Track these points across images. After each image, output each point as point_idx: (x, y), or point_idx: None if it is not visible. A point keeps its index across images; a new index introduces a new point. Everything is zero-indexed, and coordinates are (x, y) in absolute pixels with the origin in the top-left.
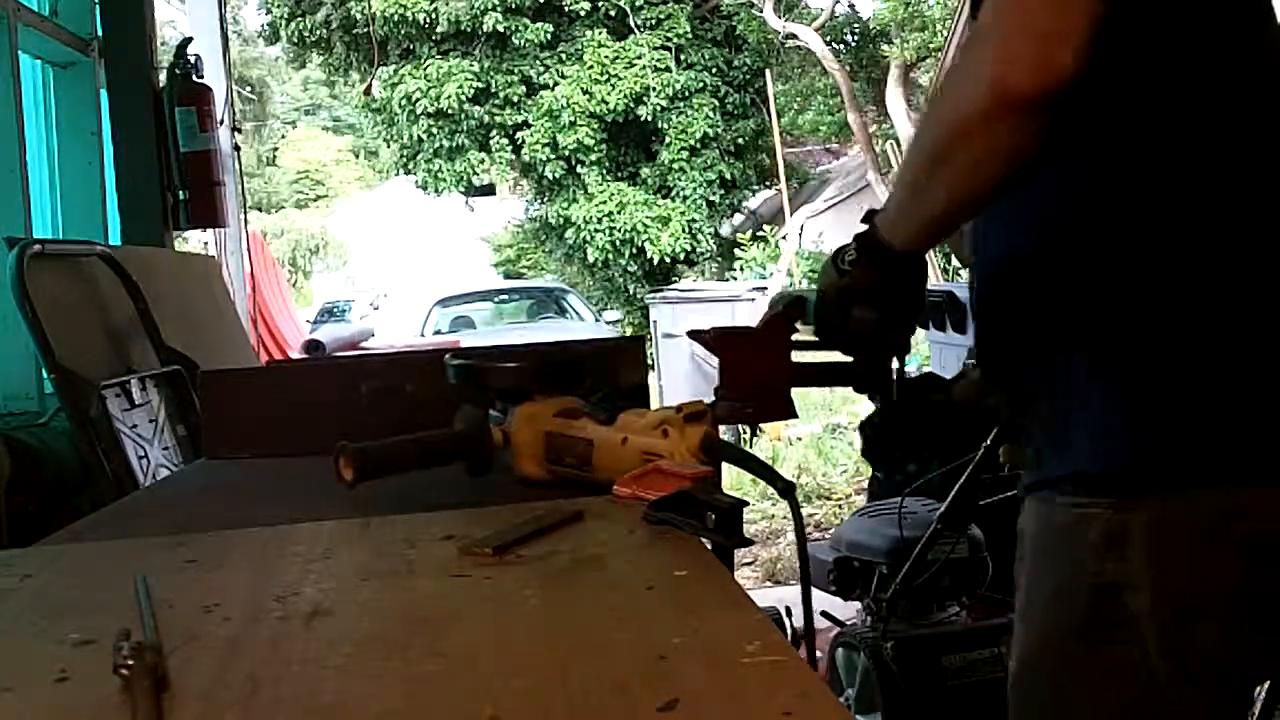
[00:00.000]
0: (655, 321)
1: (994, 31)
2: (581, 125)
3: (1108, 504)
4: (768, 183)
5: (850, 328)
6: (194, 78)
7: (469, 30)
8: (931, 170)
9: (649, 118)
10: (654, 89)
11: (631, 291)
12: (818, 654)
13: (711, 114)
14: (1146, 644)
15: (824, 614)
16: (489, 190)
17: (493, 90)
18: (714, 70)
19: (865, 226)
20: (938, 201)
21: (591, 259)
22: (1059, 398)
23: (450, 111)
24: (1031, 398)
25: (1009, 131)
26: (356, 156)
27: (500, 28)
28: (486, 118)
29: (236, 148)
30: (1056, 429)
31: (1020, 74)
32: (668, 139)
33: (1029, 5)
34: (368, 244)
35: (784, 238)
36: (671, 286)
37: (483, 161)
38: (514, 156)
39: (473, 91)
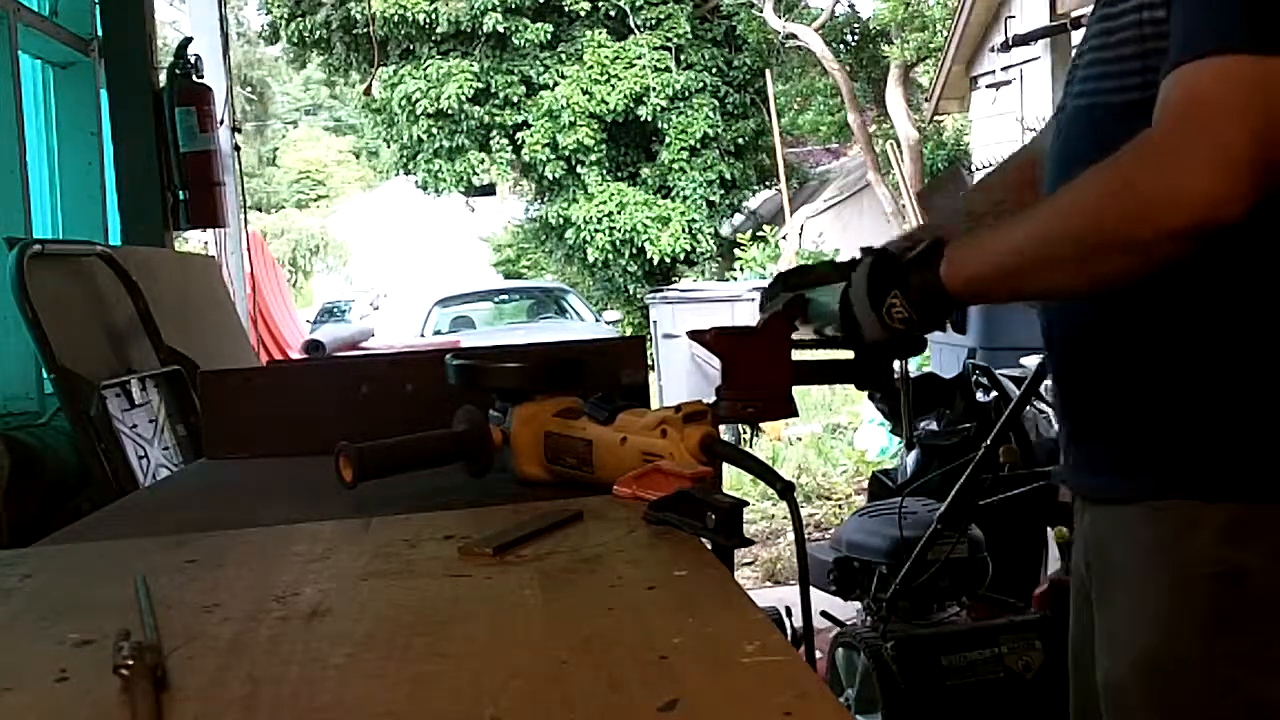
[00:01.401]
0: (655, 321)
1: (1176, 140)
2: (581, 125)
3: (1225, 500)
4: (768, 183)
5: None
6: (194, 78)
7: (469, 30)
8: (1079, 260)
9: (649, 118)
10: (654, 89)
11: (631, 291)
12: (817, 654)
13: (711, 114)
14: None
15: (824, 614)
16: (489, 190)
17: (493, 90)
18: (714, 70)
19: (906, 267)
20: (1062, 287)
21: (591, 259)
22: (1165, 402)
23: (450, 111)
24: (1126, 405)
25: (1151, 260)
26: (357, 157)
27: (500, 28)
28: (486, 118)
29: (236, 148)
30: (1167, 434)
31: (1231, 205)
32: (668, 139)
33: (1217, 110)
34: (368, 244)
35: (784, 238)
36: (671, 286)
37: (483, 162)
38: (514, 156)
39: (473, 92)
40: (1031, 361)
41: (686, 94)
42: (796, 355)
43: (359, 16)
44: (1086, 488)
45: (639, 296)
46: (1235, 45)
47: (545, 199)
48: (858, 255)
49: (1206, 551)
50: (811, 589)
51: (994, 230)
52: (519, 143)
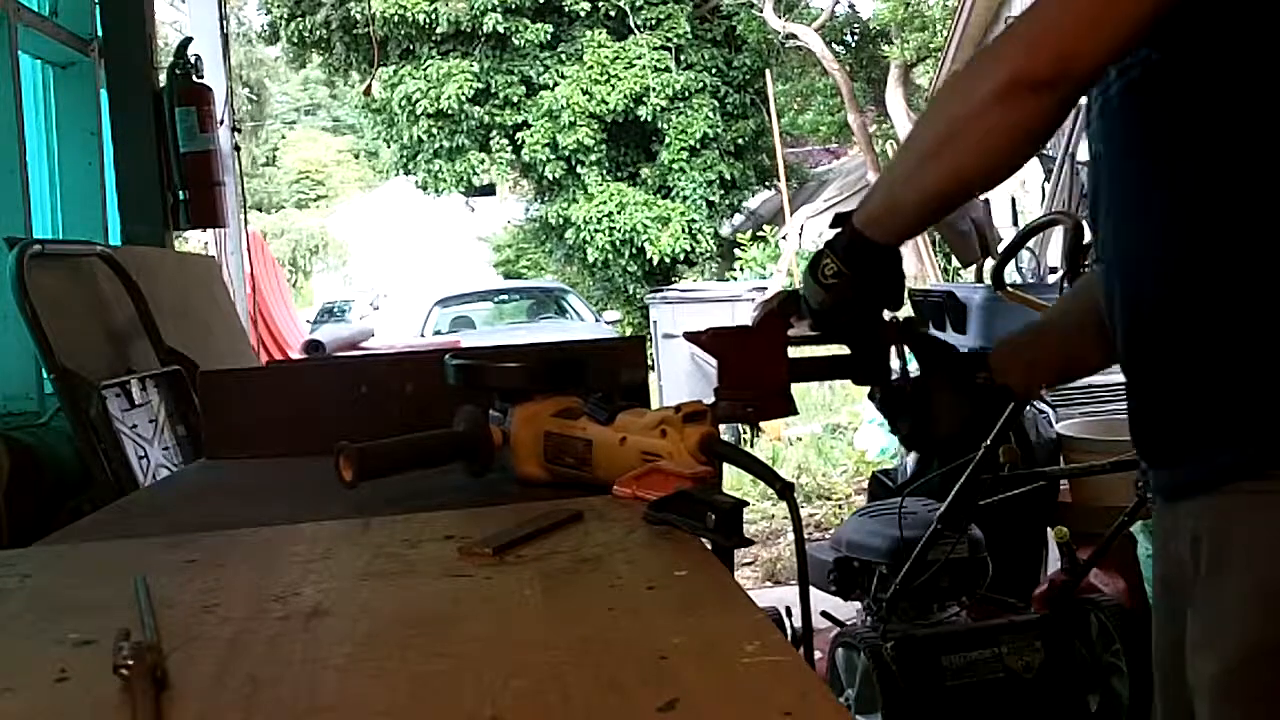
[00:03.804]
0: (655, 321)
1: (1019, 26)
2: (581, 125)
3: None
4: (768, 183)
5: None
6: (194, 78)
7: (469, 30)
8: (936, 152)
9: (649, 118)
10: (654, 89)
11: (631, 291)
12: (817, 654)
13: (711, 114)
14: None
15: (824, 614)
16: (489, 190)
17: (493, 90)
18: (714, 70)
19: (835, 231)
20: (939, 181)
21: (591, 259)
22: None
23: (450, 112)
24: (1213, 375)
25: (1022, 110)
26: (356, 157)
27: (500, 28)
28: (486, 118)
29: (236, 148)
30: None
31: (1038, 59)
32: (668, 139)
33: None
34: (368, 244)
35: (784, 238)
36: (671, 286)
37: (483, 162)
38: (514, 157)
39: (473, 92)
40: None
41: (686, 94)
42: (794, 352)
43: (359, 16)
44: (1190, 478)
45: (639, 296)
46: None
47: (545, 199)
48: None
49: None
50: (811, 589)
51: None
52: (519, 143)
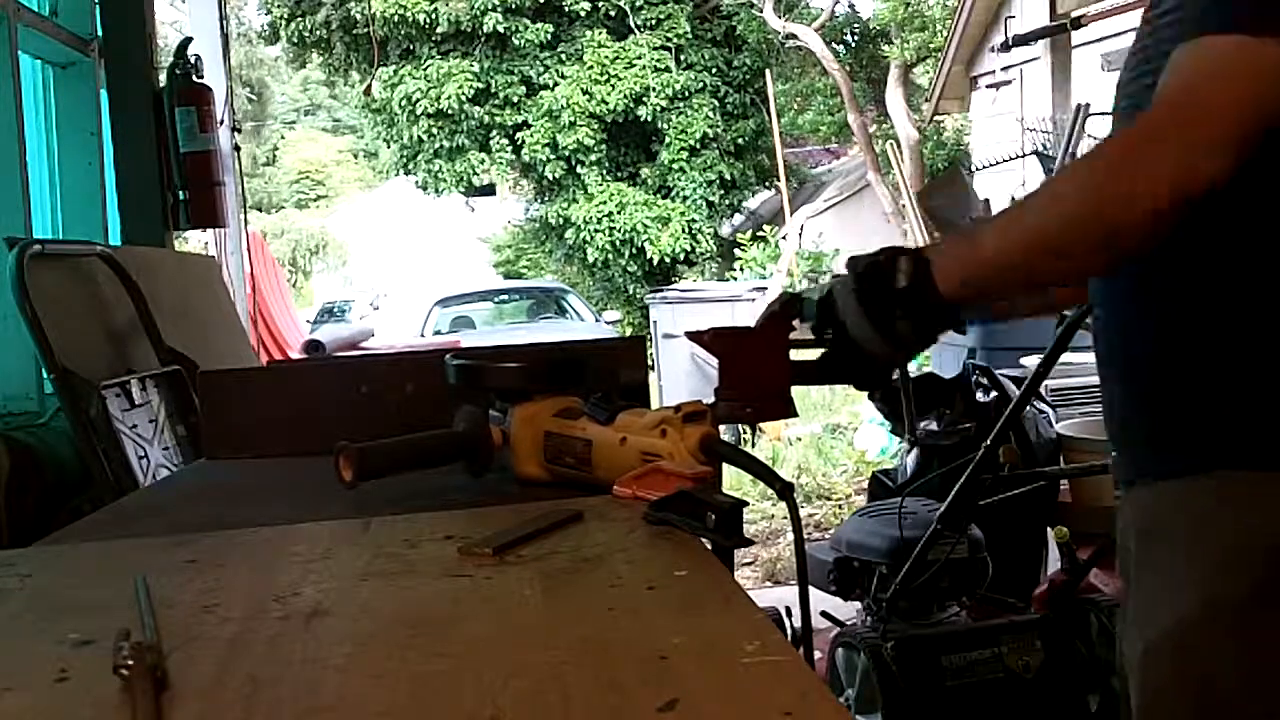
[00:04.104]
0: (655, 321)
1: (1161, 130)
2: (581, 125)
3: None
4: (768, 183)
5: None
6: (194, 78)
7: (469, 30)
8: (1039, 243)
9: (649, 118)
10: (654, 89)
11: (631, 291)
12: (817, 654)
13: (711, 114)
14: None
15: (824, 614)
16: (489, 190)
17: (493, 90)
18: (714, 70)
19: (901, 266)
20: (1023, 276)
21: (591, 259)
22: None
23: (450, 112)
24: (1174, 377)
25: (1138, 240)
26: (356, 157)
27: (500, 28)
28: (486, 118)
29: (236, 148)
30: (1210, 407)
31: (1212, 161)
32: (668, 139)
33: (1199, 102)
34: (368, 244)
35: (784, 238)
36: (671, 286)
37: (483, 162)
38: (514, 157)
39: (473, 92)
40: (1031, 361)
41: (686, 94)
42: (795, 355)
43: (359, 16)
44: (1140, 467)
45: (639, 296)
46: (1235, 25)
47: (545, 199)
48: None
49: (1270, 522)
50: (811, 589)
51: (980, 231)
52: (519, 143)
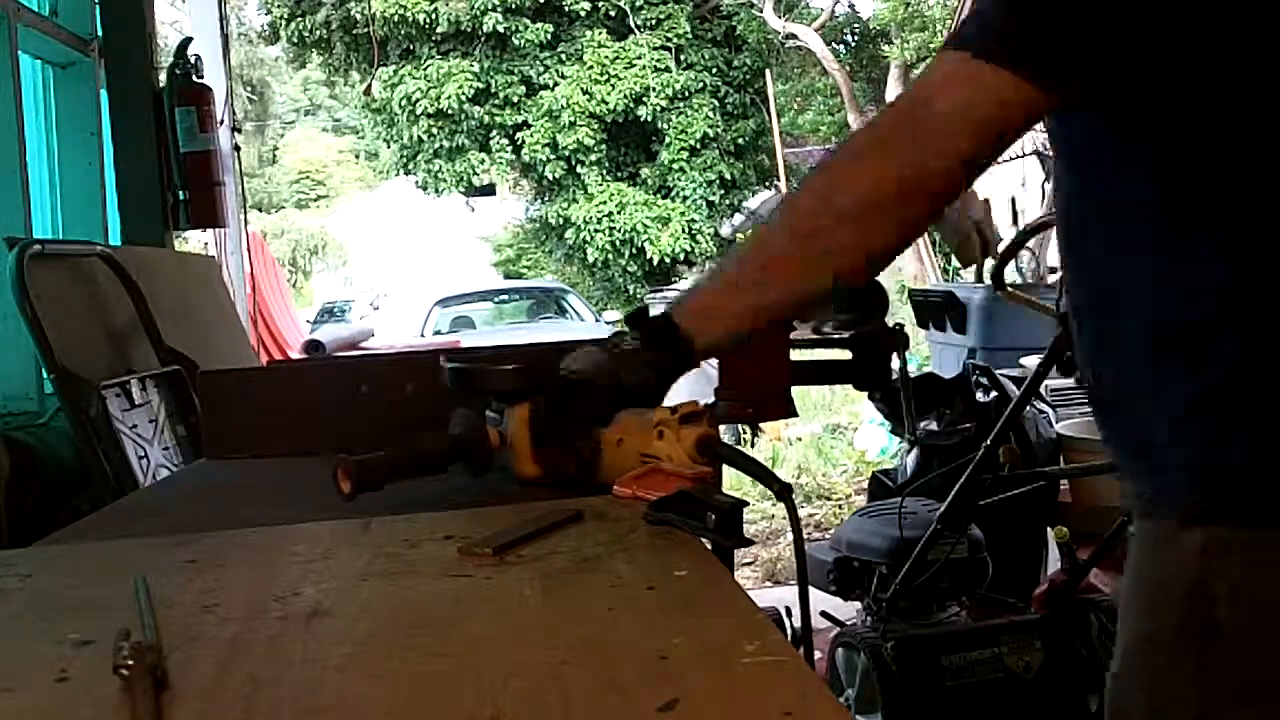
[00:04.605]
0: None
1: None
2: (581, 125)
3: (1206, 517)
4: (768, 183)
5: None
6: (194, 78)
7: (469, 30)
8: (773, 260)
9: (649, 118)
10: (654, 89)
11: (631, 291)
12: (817, 654)
13: (711, 114)
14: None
15: (824, 614)
16: (489, 190)
17: (493, 90)
18: (714, 70)
19: (638, 328)
20: (764, 298)
21: (591, 259)
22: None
23: (450, 112)
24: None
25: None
26: (356, 157)
27: (500, 28)
28: (486, 118)
29: (236, 148)
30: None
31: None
32: (668, 139)
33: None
34: (368, 244)
35: None
36: (671, 286)
37: (483, 162)
38: (514, 157)
39: (473, 92)
40: (1031, 361)
41: (686, 94)
42: (795, 355)
43: (359, 16)
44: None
45: (639, 296)
46: (963, 45)
47: (545, 199)
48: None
49: (1183, 569)
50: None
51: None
52: (519, 143)
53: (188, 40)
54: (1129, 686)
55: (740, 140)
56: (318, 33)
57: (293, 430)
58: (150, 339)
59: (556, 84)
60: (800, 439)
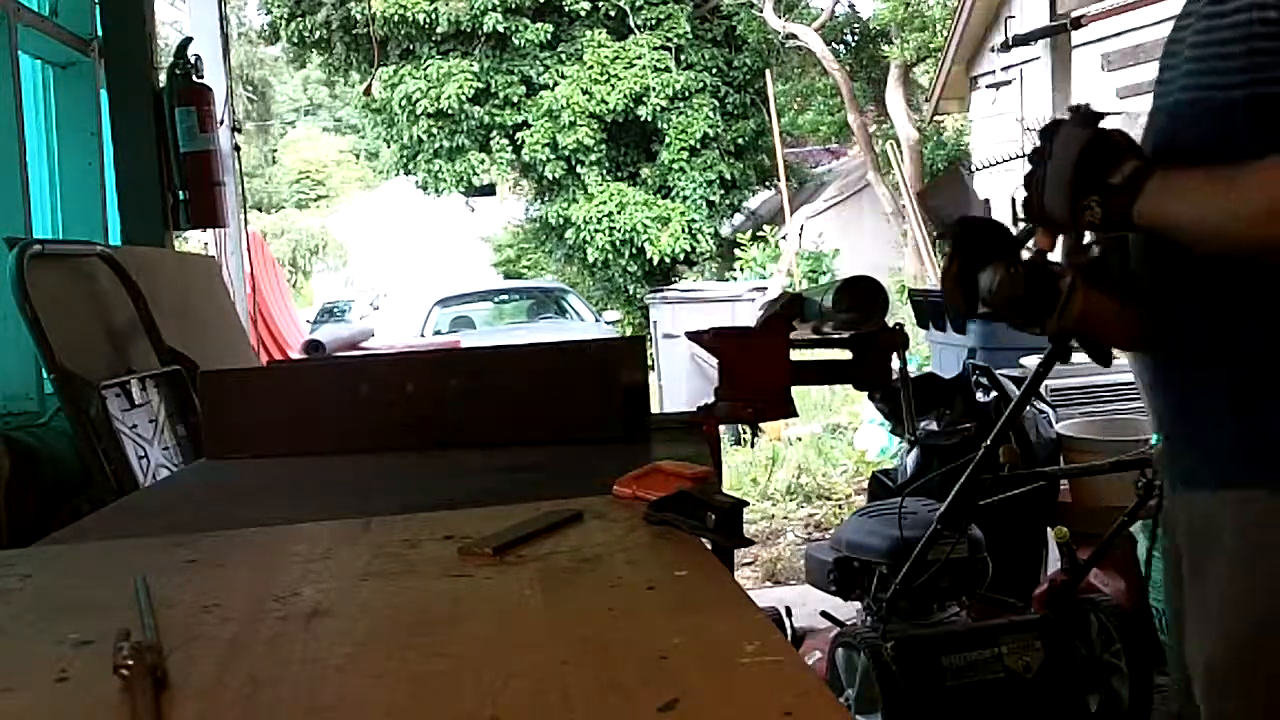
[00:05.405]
0: (655, 322)
1: None
2: (581, 125)
3: None
4: (768, 183)
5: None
6: (194, 78)
7: (469, 30)
8: (1238, 217)
9: (649, 118)
10: (654, 89)
11: (631, 291)
12: (817, 654)
13: (711, 114)
14: None
15: (824, 614)
16: (489, 190)
17: (493, 90)
18: (714, 70)
19: (1125, 168)
20: (1212, 242)
21: (591, 259)
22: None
23: (450, 112)
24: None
25: None
26: (357, 157)
27: (500, 28)
28: (486, 118)
29: (236, 148)
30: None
31: None
32: (668, 139)
33: None
34: (368, 244)
35: (784, 238)
36: (671, 287)
37: (483, 162)
38: (514, 157)
39: (473, 92)
40: (1031, 361)
41: (686, 94)
42: (795, 355)
43: (359, 16)
44: (1194, 472)
45: (639, 296)
46: None
47: (545, 199)
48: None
49: None
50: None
51: (1198, 181)
52: (519, 143)
53: (188, 40)
54: (1239, 678)
55: (740, 140)
56: (318, 33)
57: (293, 430)
58: (150, 339)
59: (556, 84)
60: (800, 439)
